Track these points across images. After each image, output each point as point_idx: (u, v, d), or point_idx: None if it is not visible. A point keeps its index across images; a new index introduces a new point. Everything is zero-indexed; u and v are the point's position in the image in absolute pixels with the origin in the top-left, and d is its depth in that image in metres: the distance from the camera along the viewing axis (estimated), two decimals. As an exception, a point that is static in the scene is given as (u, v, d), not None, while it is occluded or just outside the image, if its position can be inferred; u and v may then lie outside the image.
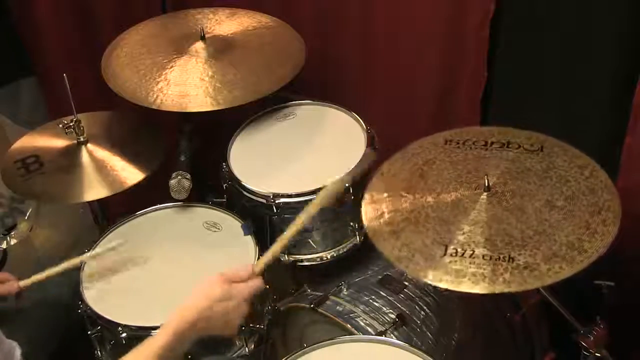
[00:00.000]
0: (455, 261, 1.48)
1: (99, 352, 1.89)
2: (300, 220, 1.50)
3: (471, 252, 1.48)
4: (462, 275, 1.45)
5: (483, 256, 1.47)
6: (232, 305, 1.39)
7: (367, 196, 1.70)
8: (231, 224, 2.02)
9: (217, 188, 2.15)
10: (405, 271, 1.54)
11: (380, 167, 1.78)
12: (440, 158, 1.74)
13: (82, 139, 2.09)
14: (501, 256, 1.46)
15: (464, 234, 1.53)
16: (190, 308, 1.37)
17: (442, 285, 1.45)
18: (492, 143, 1.75)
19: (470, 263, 1.46)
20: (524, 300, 1.96)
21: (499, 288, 1.42)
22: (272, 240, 1.99)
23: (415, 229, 1.57)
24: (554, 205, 1.55)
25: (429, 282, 1.47)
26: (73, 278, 1.90)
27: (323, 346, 1.64)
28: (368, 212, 1.66)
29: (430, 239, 1.54)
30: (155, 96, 2.05)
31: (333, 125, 2.19)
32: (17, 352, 1.47)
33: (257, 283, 1.45)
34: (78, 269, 1.89)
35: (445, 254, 1.49)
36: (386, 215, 1.63)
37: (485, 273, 1.44)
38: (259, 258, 1.89)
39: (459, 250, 1.49)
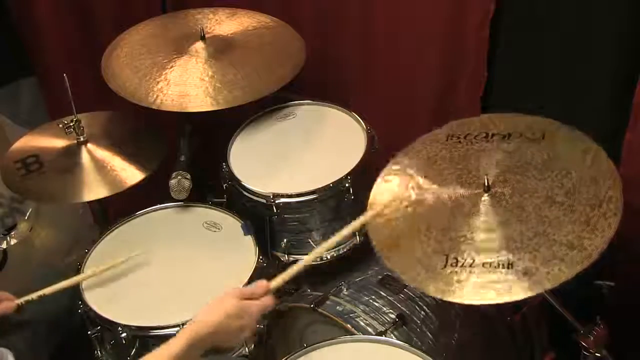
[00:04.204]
0: (456, 271, 1.46)
1: (99, 352, 1.89)
2: (324, 248, 1.62)
3: (471, 260, 1.47)
4: (463, 286, 1.44)
5: (483, 264, 1.46)
6: (244, 323, 1.42)
7: (370, 202, 1.69)
8: (231, 224, 2.02)
9: (217, 188, 2.15)
10: (407, 283, 1.54)
11: (381, 170, 1.77)
12: (442, 156, 1.72)
13: (82, 139, 2.09)
14: (501, 263, 1.45)
15: (464, 241, 1.51)
16: (205, 322, 1.40)
17: (445, 297, 1.45)
18: (493, 135, 1.73)
19: (470, 272, 1.45)
20: (524, 300, 1.96)
21: (500, 297, 1.41)
22: (272, 240, 2.02)
23: (416, 238, 1.56)
24: (554, 200, 1.53)
25: (432, 294, 1.47)
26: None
27: (323, 346, 1.65)
28: (371, 220, 1.65)
29: (431, 248, 1.52)
30: (155, 96, 2.05)
31: (333, 125, 2.19)
32: (10, 358, 1.46)
33: (268, 301, 1.47)
34: (77, 286, 1.88)
35: (446, 265, 1.48)
36: (388, 223, 1.62)
37: (486, 283, 1.43)
38: (259, 257, 1.90)
39: (459, 259, 1.48)
